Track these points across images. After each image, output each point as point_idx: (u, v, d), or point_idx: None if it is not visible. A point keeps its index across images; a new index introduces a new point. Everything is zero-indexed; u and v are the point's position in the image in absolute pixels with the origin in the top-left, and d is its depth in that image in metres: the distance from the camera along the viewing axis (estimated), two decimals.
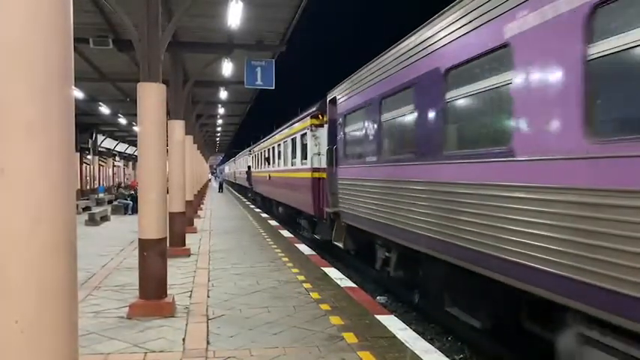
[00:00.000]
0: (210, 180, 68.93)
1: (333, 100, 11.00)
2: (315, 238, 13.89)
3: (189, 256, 10.44)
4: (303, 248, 11.46)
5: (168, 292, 6.52)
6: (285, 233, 14.37)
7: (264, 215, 20.74)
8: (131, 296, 6.74)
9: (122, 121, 26.87)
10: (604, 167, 3.52)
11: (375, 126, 8.21)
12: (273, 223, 17.47)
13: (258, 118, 44.87)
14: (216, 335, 5.33)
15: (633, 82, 3.44)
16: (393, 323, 5.76)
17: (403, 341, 5.12)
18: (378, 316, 6.00)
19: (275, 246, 11.83)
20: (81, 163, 32.76)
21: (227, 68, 13.13)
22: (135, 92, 6.50)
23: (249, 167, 33.34)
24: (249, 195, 34.70)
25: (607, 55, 3.55)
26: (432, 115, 6.23)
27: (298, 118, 15.69)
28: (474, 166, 5.26)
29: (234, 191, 50.05)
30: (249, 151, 34.60)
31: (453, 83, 5.76)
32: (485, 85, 5.08)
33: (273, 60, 12.97)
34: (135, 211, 20.17)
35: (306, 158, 14.22)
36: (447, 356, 4.94)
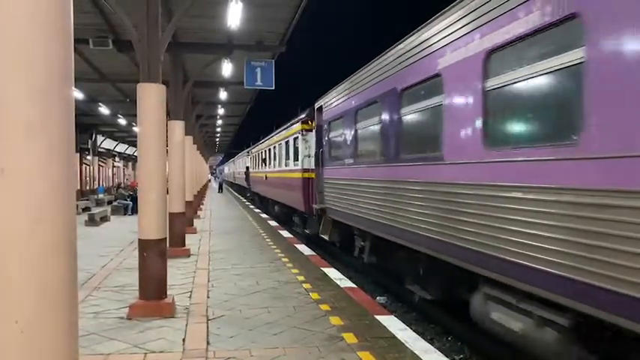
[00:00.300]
0: (209, 180, 68.98)
1: (320, 108, 12.30)
2: (306, 232, 15.15)
3: (189, 256, 10.44)
4: (303, 248, 11.46)
5: (168, 292, 6.52)
6: (285, 233, 14.37)
7: (264, 216, 20.75)
8: (131, 297, 6.74)
9: (122, 121, 26.88)
10: (496, 168, 4.88)
11: (352, 133, 9.49)
12: (273, 223, 17.47)
13: (257, 119, 44.88)
14: (216, 336, 5.33)
15: (511, 109, 4.85)
16: (392, 323, 5.76)
17: (403, 341, 5.12)
18: (377, 317, 6.00)
19: (275, 246, 11.83)
20: (81, 164, 32.77)
21: (227, 69, 13.14)
22: (135, 93, 6.50)
23: (247, 168, 34.57)
24: (248, 195, 35.76)
25: (496, 87, 4.90)
26: (391, 126, 7.51)
27: (291, 122, 17.13)
28: (419, 168, 6.52)
29: (233, 191, 50.08)
30: (248, 152, 35.92)
31: (405, 101, 7.07)
32: (427, 104, 6.42)
33: (273, 60, 12.98)
34: (134, 211, 20.23)
35: (297, 160, 15.33)
36: (447, 356, 4.94)
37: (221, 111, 23.27)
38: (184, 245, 10.94)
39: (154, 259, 6.26)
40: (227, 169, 76.36)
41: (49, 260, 2.01)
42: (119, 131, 34.85)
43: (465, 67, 5.40)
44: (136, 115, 6.58)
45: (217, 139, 46.23)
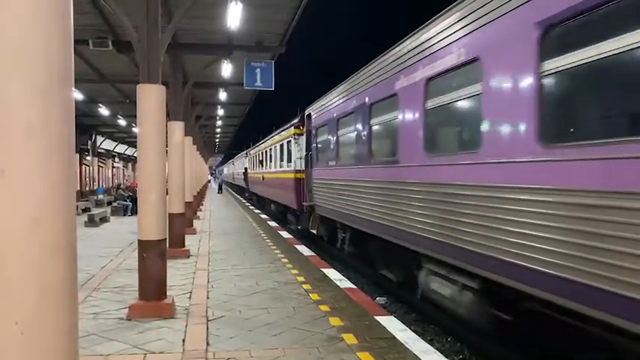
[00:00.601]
0: (209, 181, 69.01)
1: (309, 115, 13.82)
2: (298, 228, 16.52)
3: (188, 257, 10.44)
4: (303, 249, 11.46)
5: (168, 293, 6.52)
6: (285, 234, 14.37)
7: (264, 216, 20.75)
8: (131, 297, 6.74)
9: (121, 122, 26.88)
10: (433, 170, 6.23)
11: (335, 138, 10.97)
12: (273, 224, 17.47)
13: (257, 119, 44.86)
14: (216, 336, 5.34)
15: (442, 125, 6.35)
16: (392, 324, 5.76)
17: (403, 342, 5.12)
18: (377, 317, 6.00)
19: (274, 247, 11.83)
20: (80, 165, 32.76)
21: (226, 69, 13.14)
22: (134, 93, 6.50)
23: (245, 169, 35.96)
24: (246, 195, 36.88)
25: (434, 108, 6.22)
26: (364, 134, 8.94)
27: (285, 127, 18.58)
28: (385, 170, 7.88)
29: (233, 192, 50.06)
30: (246, 154, 37.17)
31: (374, 114, 8.51)
32: (389, 118, 7.81)
33: (273, 61, 12.98)
34: (134, 212, 20.25)
35: (290, 161, 16.58)
36: (447, 357, 4.94)
37: (221, 112, 23.26)
38: (184, 246, 10.94)
39: (153, 259, 6.26)
40: (226, 169, 77.33)
41: (49, 261, 2.01)
42: (119, 132, 34.84)
43: (412, 90, 6.81)
44: (135, 116, 6.58)
45: (217, 140, 46.22)
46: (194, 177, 18.87)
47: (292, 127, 16.23)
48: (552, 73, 4.15)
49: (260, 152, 26.43)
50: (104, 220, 18.20)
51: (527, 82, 4.40)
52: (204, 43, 12.00)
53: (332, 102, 11.22)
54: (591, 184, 3.70)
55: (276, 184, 19.69)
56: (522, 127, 4.46)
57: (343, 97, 10.26)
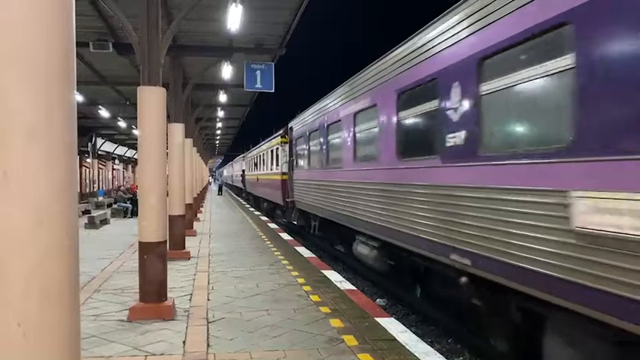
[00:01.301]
0: (210, 183, 69.04)
1: (291, 128, 16.72)
2: (284, 221, 19.72)
3: (189, 259, 10.44)
4: (303, 251, 11.47)
5: (169, 295, 6.52)
6: (285, 236, 14.38)
7: (264, 218, 20.75)
8: (131, 299, 6.74)
9: (122, 124, 26.90)
10: (359, 173, 8.95)
11: (307, 147, 13.71)
12: (273, 225, 17.47)
13: (257, 121, 44.93)
14: (217, 338, 5.34)
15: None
16: (393, 326, 5.77)
17: (403, 344, 5.12)
18: (378, 319, 6.01)
19: (275, 249, 11.83)
20: (80, 167, 32.77)
21: (227, 71, 13.16)
22: (134, 95, 6.51)
23: (243, 171, 38.56)
24: (244, 195, 39.71)
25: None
26: (324, 146, 11.75)
27: (274, 136, 21.96)
28: (334, 172, 10.71)
29: (233, 194, 50.07)
30: (243, 157, 40.20)
31: (329, 132, 11.37)
32: (337, 136, 10.73)
33: (273, 63, 13.00)
34: (134, 214, 20.25)
35: (278, 165, 19.60)
36: (447, 358, 4.94)
37: (221, 113, 23.29)
38: (184, 248, 10.95)
39: (154, 261, 6.26)
40: (226, 171, 78.89)
41: (52, 263, 2.02)
42: (119, 134, 34.85)
43: (345, 118, 9.45)
44: (135, 118, 6.59)
45: (217, 142, 46.23)
46: (194, 179, 18.88)
47: (279, 137, 19.52)
48: (403, 119, 7.34)
49: (255, 156, 29.45)
50: (104, 222, 18.20)
51: (393, 123, 7.56)
52: (205, 45, 12.02)
53: (306, 119, 14.23)
54: (406, 179, 7.06)
55: (267, 184, 22.87)
56: (391, 147, 7.64)
57: (312, 116, 13.31)
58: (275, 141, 20.76)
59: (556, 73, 4.11)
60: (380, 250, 8.62)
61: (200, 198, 28.47)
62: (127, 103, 19.24)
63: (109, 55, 11.57)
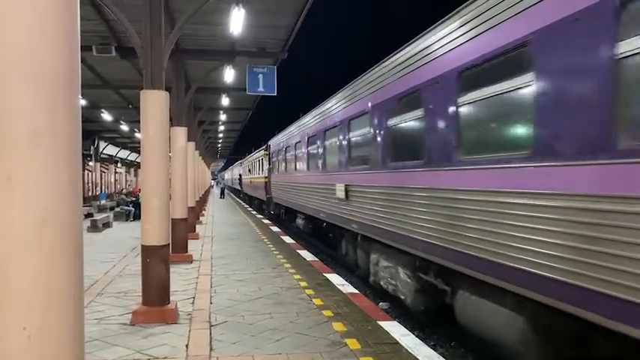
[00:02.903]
0: (212, 186, 69.12)
1: (269, 145, 23.41)
2: (268, 213, 25.44)
3: (191, 262, 10.45)
4: (305, 254, 11.47)
5: (171, 298, 6.53)
6: (287, 239, 14.38)
7: (266, 221, 20.77)
8: (134, 303, 6.75)
9: (124, 127, 26.95)
10: (310, 177, 13.32)
11: (278, 160, 19.94)
12: (275, 229, 17.48)
13: (260, 124, 44.98)
14: (219, 342, 5.34)
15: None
16: (395, 329, 5.76)
17: (406, 347, 5.11)
18: (380, 322, 6.00)
19: (277, 252, 11.83)
20: (83, 170, 32.71)
21: (229, 75, 13.18)
22: (137, 99, 6.53)
23: (240, 175, 46.13)
24: (241, 195, 47.04)
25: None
26: (290, 158, 16.70)
27: (260, 149, 29.53)
28: (293, 176, 15.98)
29: (234, 196, 50.15)
30: (240, 163, 48.57)
31: (286, 151, 17.29)
32: (294, 154, 16.05)
33: (275, 66, 13.02)
34: (137, 217, 20.27)
35: (263, 171, 26.25)
36: None
37: (223, 117, 23.32)
38: (187, 251, 10.95)
39: (156, 265, 6.27)
40: (227, 175, 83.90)
41: (56, 266, 2.03)
42: (121, 137, 34.92)
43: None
44: (138, 122, 6.61)
45: (219, 145, 46.27)
46: (197, 182, 18.90)
47: (263, 150, 26.52)
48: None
49: (248, 164, 37.76)
50: (107, 225, 18.22)
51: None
52: (207, 48, 12.05)
53: (277, 140, 20.88)
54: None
55: (256, 185, 30.54)
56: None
57: (280, 138, 19.75)
58: (261, 153, 27.83)
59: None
60: (305, 221, 15.77)
61: (202, 201, 28.49)
62: (130, 106, 19.27)
63: (111, 58, 11.60)
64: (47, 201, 2.01)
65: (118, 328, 5.82)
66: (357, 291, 7.87)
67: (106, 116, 22.29)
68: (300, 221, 16.37)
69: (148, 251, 6.31)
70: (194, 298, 7.33)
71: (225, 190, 53.27)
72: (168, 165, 6.65)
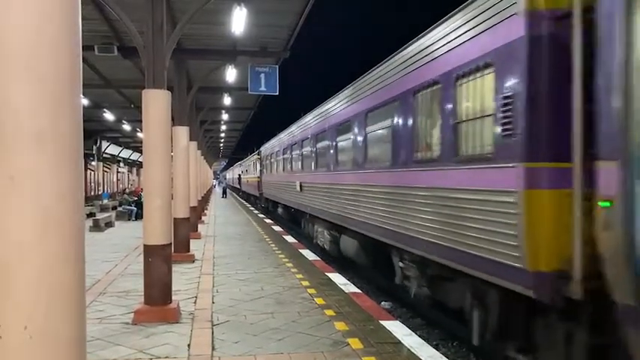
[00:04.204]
0: (214, 185, 69.21)
1: (260, 151, 29.10)
2: (259, 204, 30.84)
3: (193, 261, 10.45)
4: (307, 254, 11.46)
5: (173, 297, 6.53)
6: (289, 239, 14.38)
7: (268, 221, 20.78)
8: (136, 302, 6.75)
9: (126, 127, 26.98)
10: (293, 176, 17.15)
11: (268, 163, 25.01)
12: (277, 228, 17.49)
13: (262, 124, 45.01)
14: (221, 341, 5.34)
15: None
16: (398, 329, 5.75)
17: (409, 347, 5.11)
18: (382, 322, 5.99)
19: (279, 252, 11.83)
20: (85, 170, 32.86)
21: (231, 74, 13.18)
22: (139, 99, 6.54)
23: (239, 175, 50.98)
24: (240, 193, 52.07)
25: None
26: (280, 160, 20.53)
27: (254, 153, 35.77)
28: (278, 175, 21.15)
29: (236, 195, 50.22)
30: (240, 165, 54.14)
31: (274, 157, 22.43)
32: (277, 159, 21.67)
33: (277, 66, 13.01)
34: (139, 217, 20.28)
35: (256, 172, 31.41)
36: None
37: (225, 116, 23.33)
38: (189, 250, 10.96)
39: (158, 264, 6.27)
40: (229, 175, 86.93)
41: (58, 266, 2.03)
42: (124, 137, 34.96)
43: (295, 143, 16.47)
44: (140, 121, 6.61)
45: (221, 145, 46.29)
46: (199, 181, 18.93)
47: (256, 155, 32.18)
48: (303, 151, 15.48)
49: (246, 165, 43.89)
50: (109, 224, 18.24)
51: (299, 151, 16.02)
52: (209, 48, 12.05)
53: (265, 148, 27.10)
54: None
55: (251, 183, 36.72)
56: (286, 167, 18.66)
57: (266, 147, 26.36)
58: (255, 157, 33.71)
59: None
60: (283, 209, 20.97)
61: (204, 201, 28.53)
62: (132, 106, 19.28)
63: (113, 58, 11.61)
64: (49, 201, 2.01)
65: (120, 328, 5.83)
66: (359, 290, 7.86)
67: (109, 116, 22.31)
68: (280, 210, 22.66)
69: (150, 251, 6.31)
70: (196, 297, 7.33)
71: (227, 190, 53.37)
72: (170, 164, 6.65)
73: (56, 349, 2.02)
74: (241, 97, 17.96)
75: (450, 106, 5.79)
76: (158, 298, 6.24)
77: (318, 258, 11.04)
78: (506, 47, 4.67)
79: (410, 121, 7.00)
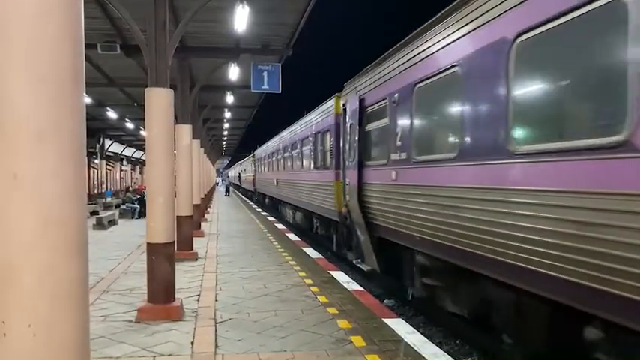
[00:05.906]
0: (217, 184, 69.35)
1: (255, 154, 37.79)
2: (254, 198, 37.35)
3: (196, 259, 10.47)
4: (310, 252, 11.47)
5: (177, 295, 6.54)
6: (292, 237, 14.40)
7: (271, 219, 20.81)
8: (139, 300, 6.77)
9: (129, 125, 27.03)
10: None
11: (261, 164, 32.20)
12: (280, 226, 17.51)
13: (264, 122, 45.04)
14: (224, 339, 5.35)
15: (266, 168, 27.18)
16: (401, 326, 5.75)
17: (412, 345, 5.11)
18: (385, 320, 6.00)
19: (282, 249, 11.85)
20: (88, 168, 32.95)
21: (234, 72, 13.19)
22: (142, 97, 6.54)
23: (239, 173, 57.79)
24: (240, 190, 57.93)
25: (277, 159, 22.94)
26: (267, 163, 28.21)
27: (251, 155, 42.29)
28: (270, 174, 26.21)
29: (238, 193, 50.37)
30: (240, 164, 61.26)
31: (268, 158, 27.81)
32: (270, 160, 26.80)
33: (280, 64, 13.01)
34: (142, 215, 20.33)
35: (252, 171, 37.71)
36: (456, 359, 4.92)
37: (228, 114, 23.34)
38: (192, 248, 10.98)
39: (162, 262, 6.29)
40: (231, 173, 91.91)
41: (61, 263, 2.03)
42: (127, 135, 35.04)
43: (272, 152, 24.90)
44: (143, 119, 6.61)
45: (224, 143, 46.35)
46: (202, 180, 18.96)
47: (252, 158, 39.37)
48: (278, 157, 22.80)
49: (244, 165, 51.41)
50: (112, 223, 18.29)
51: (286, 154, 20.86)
52: (212, 46, 12.05)
53: (258, 151, 34.76)
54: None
55: (249, 181, 43.07)
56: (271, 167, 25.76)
57: (258, 151, 34.85)
58: (251, 159, 40.60)
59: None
60: (269, 200, 27.95)
61: (207, 199, 28.58)
62: (135, 104, 19.32)
63: (116, 56, 11.62)
64: (52, 199, 2.02)
65: (124, 325, 5.85)
66: (362, 288, 7.87)
67: (111, 114, 22.36)
68: (267, 201, 29.49)
69: (153, 249, 6.33)
70: (199, 295, 7.35)
71: (230, 188, 53.60)
72: (173, 163, 6.66)
73: (60, 346, 2.03)
74: (244, 95, 17.97)
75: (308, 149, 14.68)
76: (161, 296, 6.26)
77: (321, 256, 11.05)
78: (330, 125, 11.89)
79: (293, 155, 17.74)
